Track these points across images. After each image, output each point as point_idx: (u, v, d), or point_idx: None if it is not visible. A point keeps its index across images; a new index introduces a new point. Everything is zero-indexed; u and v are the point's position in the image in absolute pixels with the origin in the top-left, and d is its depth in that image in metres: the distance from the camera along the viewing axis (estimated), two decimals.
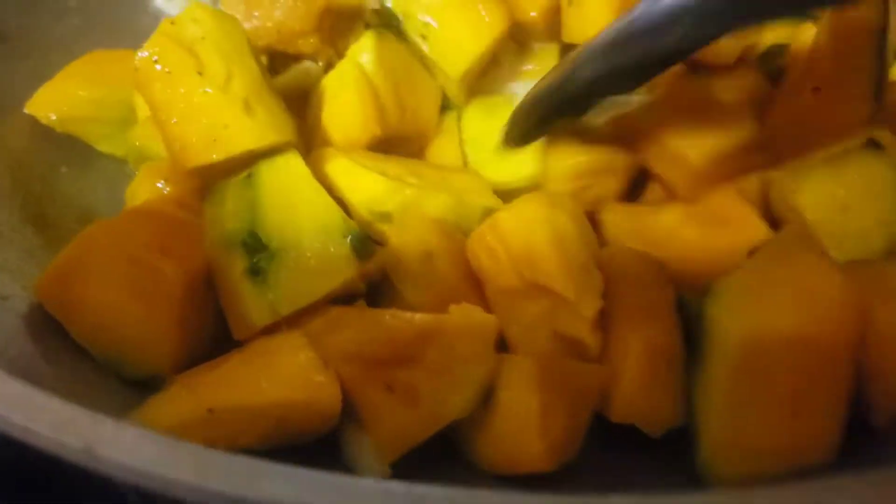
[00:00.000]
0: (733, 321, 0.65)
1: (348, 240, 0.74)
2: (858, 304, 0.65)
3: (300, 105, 0.94)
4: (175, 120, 0.75)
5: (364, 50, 0.90)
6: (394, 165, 0.89)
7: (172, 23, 0.78)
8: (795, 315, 0.63)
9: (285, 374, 0.65)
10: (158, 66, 0.75)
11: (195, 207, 0.81)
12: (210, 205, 0.79)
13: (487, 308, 0.77)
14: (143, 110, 0.88)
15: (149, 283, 0.71)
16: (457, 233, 0.84)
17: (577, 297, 0.72)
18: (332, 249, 0.73)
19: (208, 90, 0.75)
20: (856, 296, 0.65)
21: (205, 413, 0.62)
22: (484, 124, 0.95)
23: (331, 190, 0.80)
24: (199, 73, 0.75)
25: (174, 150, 0.76)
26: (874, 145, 0.81)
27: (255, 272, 0.73)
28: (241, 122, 0.76)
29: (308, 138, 0.90)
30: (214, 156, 0.75)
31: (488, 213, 0.86)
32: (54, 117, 0.94)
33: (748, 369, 0.64)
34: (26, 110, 0.93)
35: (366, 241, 0.75)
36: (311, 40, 0.93)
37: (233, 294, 0.73)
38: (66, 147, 0.97)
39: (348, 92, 0.89)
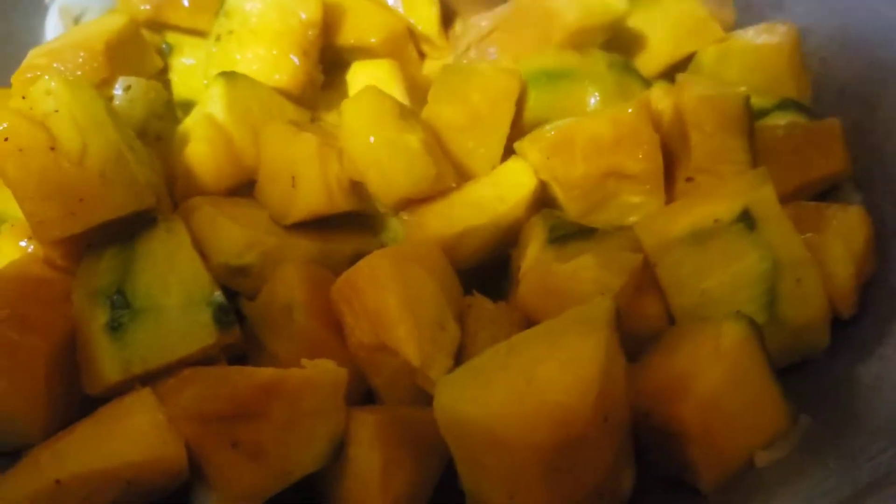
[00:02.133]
0: (440, 400, 0.72)
1: (211, 309, 0.82)
2: (592, 402, 0.68)
3: None
4: (31, 196, 0.83)
5: (213, 99, 1.00)
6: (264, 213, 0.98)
7: (24, 97, 0.86)
8: (498, 408, 0.68)
9: (131, 436, 0.73)
10: (9, 145, 0.83)
11: (63, 264, 0.89)
12: (86, 259, 0.88)
13: (350, 357, 0.86)
14: None
15: (10, 358, 0.80)
16: (329, 281, 0.92)
17: (423, 362, 0.79)
18: (193, 316, 0.82)
19: (63, 165, 0.83)
20: (589, 399, 0.67)
21: (52, 485, 0.70)
22: None
23: (196, 242, 0.89)
24: (52, 149, 0.84)
25: (32, 224, 0.83)
26: (747, 221, 0.84)
27: (115, 327, 0.81)
28: (97, 194, 0.84)
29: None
30: (72, 229, 0.83)
31: (359, 257, 0.94)
32: None
33: (462, 448, 0.71)
34: None
35: (228, 312, 0.83)
36: None
37: (89, 347, 0.81)
38: None
39: (199, 144, 0.99)
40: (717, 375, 0.76)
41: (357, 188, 0.97)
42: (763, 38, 1.10)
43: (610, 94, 1.02)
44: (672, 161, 0.96)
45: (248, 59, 1.07)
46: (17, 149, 0.83)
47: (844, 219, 0.93)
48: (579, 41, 1.08)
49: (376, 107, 0.95)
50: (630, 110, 0.92)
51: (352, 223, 1.01)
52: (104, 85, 1.02)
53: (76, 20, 1.25)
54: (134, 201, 0.86)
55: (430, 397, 0.82)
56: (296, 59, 1.07)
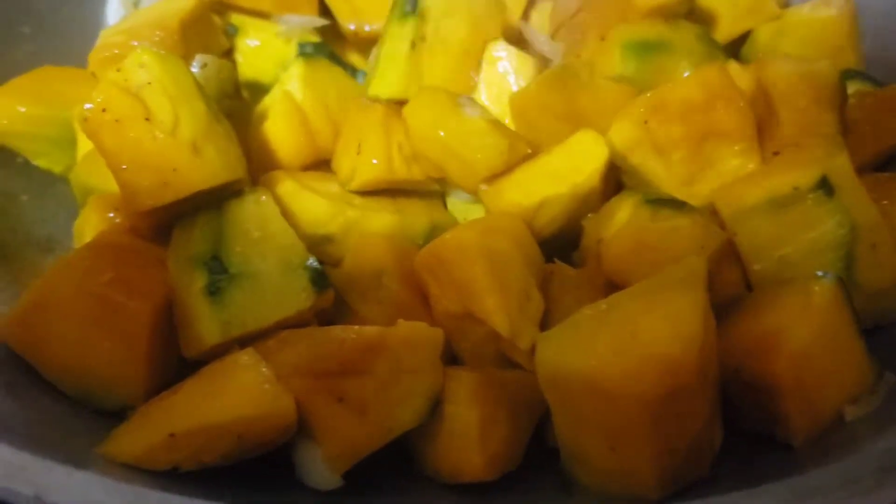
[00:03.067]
0: (543, 354, 0.75)
1: (307, 273, 0.86)
2: (697, 354, 0.70)
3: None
4: (125, 166, 0.87)
5: (292, 78, 1.05)
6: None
7: (118, 69, 0.90)
8: (602, 360, 0.71)
9: (240, 392, 0.76)
10: (107, 116, 0.87)
11: (150, 235, 0.92)
12: (179, 227, 0.91)
13: (435, 323, 0.89)
14: (84, 145, 1.00)
15: (116, 320, 0.83)
16: (411, 250, 0.96)
17: (511, 332, 0.83)
18: (291, 280, 0.85)
19: (157, 135, 0.87)
20: (693, 351, 0.70)
21: (167, 438, 0.73)
22: None
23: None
24: (147, 119, 0.87)
25: (126, 194, 0.87)
26: (826, 188, 0.87)
27: (213, 291, 0.85)
28: (189, 164, 0.87)
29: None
30: (165, 198, 0.87)
31: (434, 229, 0.99)
32: None
33: (563, 401, 0.75)
34: None
35: (324, 276, 0.87)
36: None
37: (188, 311, 0.85)
38: (25, 175, 1.10)
39: (277, 120, 1.04)
40: (808, 331, 0.79)
41: (420, 162, 1.01)
42: (820, 11, 1.14)
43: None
44: None
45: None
46: (115, 119, 0.87)
47: None
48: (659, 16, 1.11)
49: (435, 104, 1.00)
50: (716, 70, 0.94)
51: (426, 196, 1.05)
52: None
53: (136, 5, 1.29)
54: (225, 172, 0.90)
55: (513, 362, 0.87)
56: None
